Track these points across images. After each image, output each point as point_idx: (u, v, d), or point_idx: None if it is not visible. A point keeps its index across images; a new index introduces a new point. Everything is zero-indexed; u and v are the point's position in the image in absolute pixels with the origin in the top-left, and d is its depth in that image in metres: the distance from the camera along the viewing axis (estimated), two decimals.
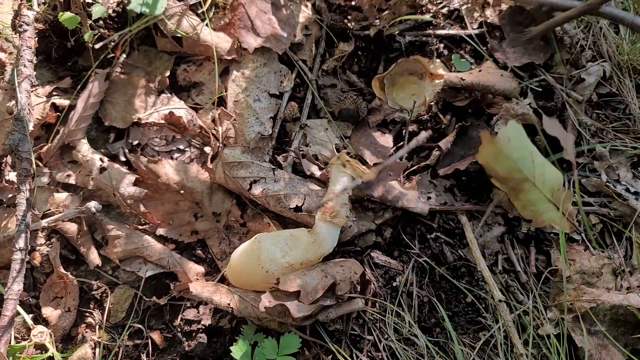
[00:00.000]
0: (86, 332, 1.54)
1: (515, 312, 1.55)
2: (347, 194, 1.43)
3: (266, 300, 1.34)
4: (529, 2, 1.75)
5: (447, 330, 1.52)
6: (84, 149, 1.66)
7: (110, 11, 1.72)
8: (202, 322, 1.52)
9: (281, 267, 1.41)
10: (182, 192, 1.62)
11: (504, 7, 1.87)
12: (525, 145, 1.61)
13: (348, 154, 1.61)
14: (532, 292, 1.58)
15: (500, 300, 1.53)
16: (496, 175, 1.60)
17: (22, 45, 1.54)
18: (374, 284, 1.54)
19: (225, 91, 1.74)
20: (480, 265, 1.59)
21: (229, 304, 1.43)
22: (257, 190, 1.55)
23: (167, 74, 1.78)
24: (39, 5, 1.69)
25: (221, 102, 1.75)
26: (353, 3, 1.86)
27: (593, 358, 1.47)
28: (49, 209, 1.60)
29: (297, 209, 1.53)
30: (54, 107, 1.70)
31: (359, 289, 1.51)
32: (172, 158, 1.70)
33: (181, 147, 1.72)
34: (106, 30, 1.72)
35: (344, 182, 1.44)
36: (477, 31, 1.82)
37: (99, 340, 1.52)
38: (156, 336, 1.53)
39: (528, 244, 1.65)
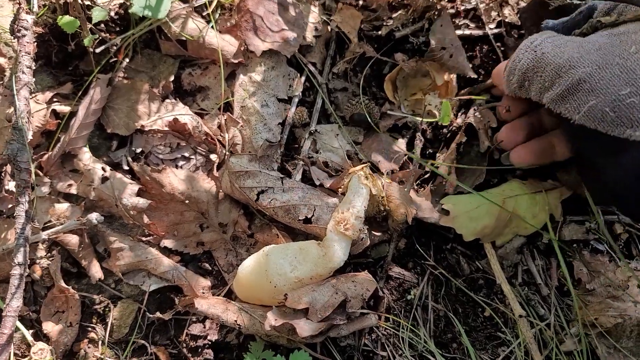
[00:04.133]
0: (88, 347, 1.49)
1: (536, 327, 1.48)
2: (364, 208, 1.36)
3: (272, 319, 1.28)
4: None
5: (464, 346, 1.47)
6: (86, 157, 1.60)
7: (112, 14, 1.66)
8: (209, 338, 1.46)
9: (290, 282, 1.34)
10: (187, 202, 1.56)
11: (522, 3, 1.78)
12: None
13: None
14: (554, 306, 1.51)
15: (520, 315, 1.47)
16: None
17: (20, 50, 1.48)
18: (387, 297, 1.48)
19: (232, 96, 1.67)
20: (499, 278, 1.52)
21: (236, 321, 1.37)
22: (265, 200, 1.48)
23: (172, 78, 1.71)
24: (38, 7, 1.63)
25: (227, 107, 1.68)
26: (362, 2, 1.78)
27: None
28: (50, 220, 1.55)
29: (307, 220, 1.46)
30: (55, 114, 1.64)
31: (372, 304, 1.44)
32: (176, 166, 1.63)
33: (186, 154, 1.66)
34: (108, 34, 1.66)
35: (363, 195, 1.37)
36: (495, 31, 1.73)
37: (102, 356, 1.46)
38: (161, 352, 1.47)
39: (549, 255, 1.57)
